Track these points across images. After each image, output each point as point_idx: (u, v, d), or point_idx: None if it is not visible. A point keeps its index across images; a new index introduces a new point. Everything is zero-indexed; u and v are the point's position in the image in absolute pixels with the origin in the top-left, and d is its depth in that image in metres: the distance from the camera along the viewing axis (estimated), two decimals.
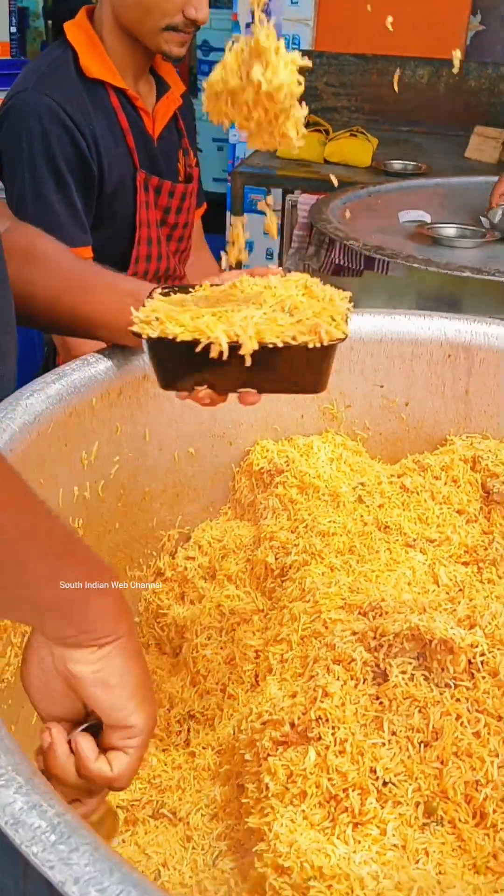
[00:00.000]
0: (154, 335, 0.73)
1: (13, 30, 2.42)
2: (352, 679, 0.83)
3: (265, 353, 0.71)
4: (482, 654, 0.80)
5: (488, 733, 0.76)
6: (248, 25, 2.80)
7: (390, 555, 0.99)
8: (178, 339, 0.72)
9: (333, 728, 0.78)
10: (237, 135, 3.45)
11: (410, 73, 3.13)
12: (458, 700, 0.78)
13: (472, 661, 0.80)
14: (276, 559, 1.04)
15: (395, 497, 1.08)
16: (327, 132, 2.69)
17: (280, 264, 2.58)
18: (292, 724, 0.81)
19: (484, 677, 0.79)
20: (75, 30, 1.49)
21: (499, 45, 3.86)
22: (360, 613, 0.90)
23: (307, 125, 2.08)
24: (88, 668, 0.58)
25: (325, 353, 0.73)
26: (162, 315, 0.73)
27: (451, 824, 0.74)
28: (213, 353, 0.70)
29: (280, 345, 0.71)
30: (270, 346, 0.71)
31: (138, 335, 0.74)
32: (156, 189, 1.56)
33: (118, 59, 1.50)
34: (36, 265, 0.94)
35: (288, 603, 0.99)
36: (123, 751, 0.58)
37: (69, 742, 0.59)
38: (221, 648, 1.01)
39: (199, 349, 0.71)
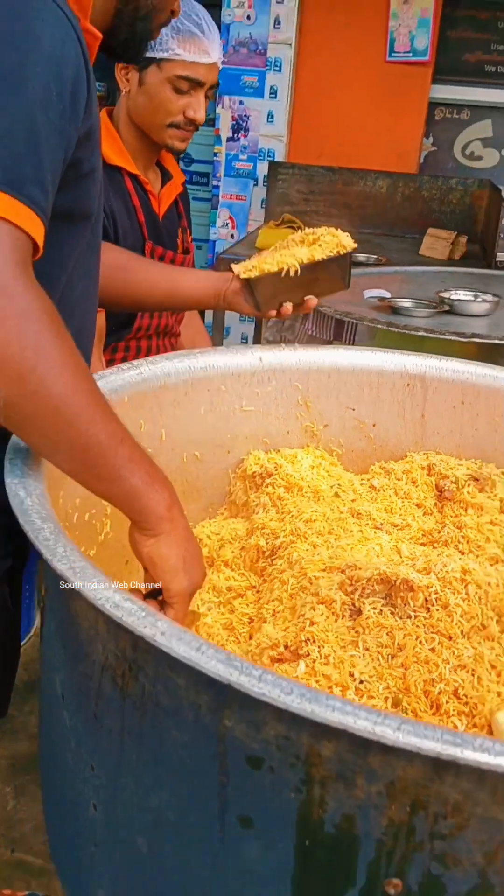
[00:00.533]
0: (254, 274, 1.28)
1: None
2: (333, 615, 1.03)
3: (316, 267, 1.28)
4: (435, 593, 1.01)
5: (441, 647, 0.96)
6: (228, 139, 3.18)
7: (362, 534, 1.21)
8: (269, 272, 1.27)
9: (319, 646, 0.97)
10: (217, 232, 3.82)
11: (371, 183, 3.53)
12: (417, 626, 0.99)
13: (428, 598, 1.02)
14: (267, 542, 1.25)
15: (365, 494, 1.30)
16: (300, 229, 3.03)
17: (257, 342, 2.87)
18: (286, 646, 1.01)
19: (437, 609, 1.00)
20: None
21: (448, 162, 4.36)
22: (339, 571, 1.11)
23: (282, 223, 2.42)
24: (144, 549, 0.79)
25: (346, 258, 1.34)
26: (255, 263, 1.30)
27: (413, 713, 0.93)
28: (291, 272, 1.27)
29: (325, 257, 1.30)
30: (321, 259, 1.29)
31: (245, 279, 1.29)
32: (160, 257, 1.83)
33: (132, 150, 1.80)
34: (133, 266, 1.34)
35: (278, 575, 1.19)
36: (171, 605, 0.79)
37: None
38: (221, 616, 1.20)
39: (282, 274, 1.27)
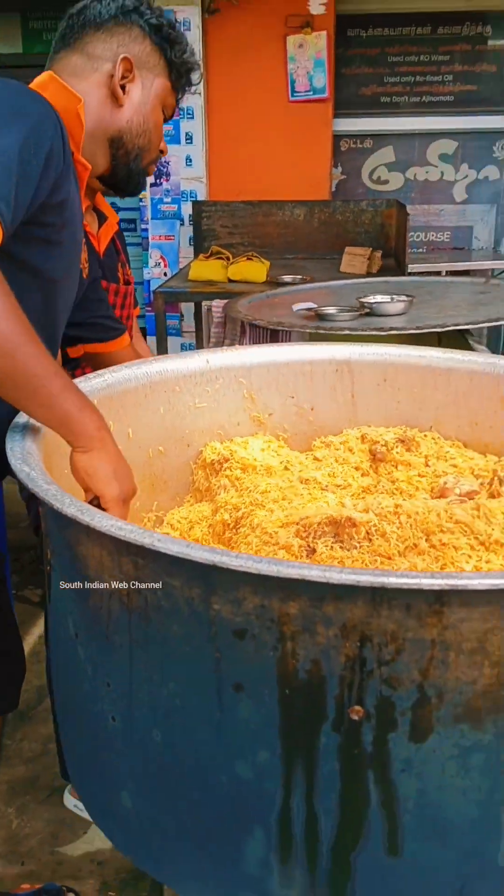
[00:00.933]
0: None
1: None
2: (293, 556, 1.22)
3: None
4: (374, 525, 1.22)
5: (382, 566, 1.16)
6: (151, 185, 3.41)
7: (311, 496, 1.40)
8: None
9: None
10: (150, 272, 4.04)
11: (289, 212, 3.81)
12: (362, 553, 1.18)
13: (369, 530, 1.21)
14: (230, 516, 1.43)
15: (310, 465, 1.50)
16: (228, 258, 3.27)
17: None
18: None
19: (377, 538, 1.20)
20: None
21: (358, 188, 4.68)
22: (293, 524, 1.30)
23: (211, 255, 2.68)
24: (80, 464, 1.01)
25: None
26: None
27: None
28: None
29: None
30: None
31: None
32: (105, 289, 2.03)
33: None
34: None
35: (243, 539, 1.38)
36: (109, 510, 1.00)
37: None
38: None
39: None
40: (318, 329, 2.04)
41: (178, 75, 1.43)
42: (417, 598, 0.76)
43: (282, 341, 2.31)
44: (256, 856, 0.89)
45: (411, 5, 4.27)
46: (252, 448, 1.54)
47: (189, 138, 3.88)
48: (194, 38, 3.79)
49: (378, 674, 0.79)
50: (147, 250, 4.04)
